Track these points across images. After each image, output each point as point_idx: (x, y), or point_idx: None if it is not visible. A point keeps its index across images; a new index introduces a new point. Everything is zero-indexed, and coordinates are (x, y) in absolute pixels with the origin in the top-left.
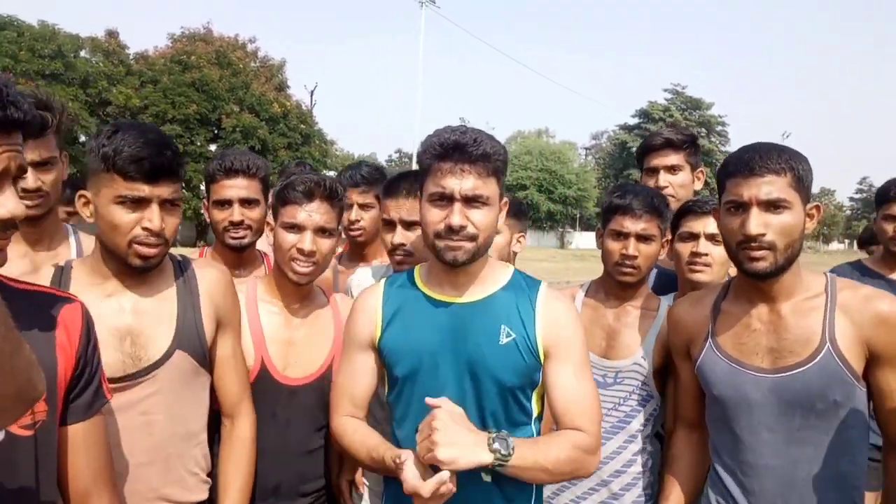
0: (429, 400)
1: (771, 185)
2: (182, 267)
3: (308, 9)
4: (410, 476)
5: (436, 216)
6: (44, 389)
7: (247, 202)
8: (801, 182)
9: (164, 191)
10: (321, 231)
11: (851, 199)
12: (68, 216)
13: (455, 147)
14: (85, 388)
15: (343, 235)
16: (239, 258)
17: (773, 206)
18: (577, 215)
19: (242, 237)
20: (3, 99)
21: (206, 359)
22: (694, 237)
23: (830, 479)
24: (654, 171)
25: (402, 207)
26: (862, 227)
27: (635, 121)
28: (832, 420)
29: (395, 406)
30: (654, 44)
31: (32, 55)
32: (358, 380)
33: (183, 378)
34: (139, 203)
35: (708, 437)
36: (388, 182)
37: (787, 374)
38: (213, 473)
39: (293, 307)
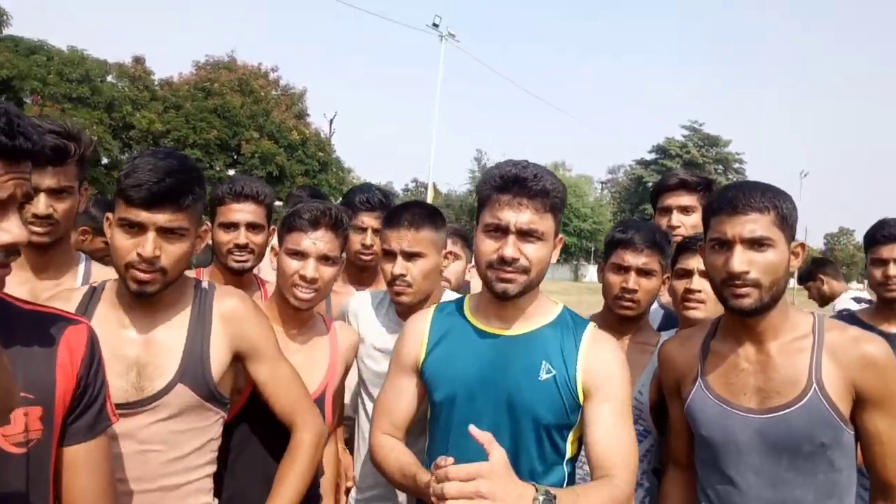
0: (473, 430)
1: (755, 224)
2: (202, 296)
3: (330, 40)
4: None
5: (489, 247)
6: (20, 400)
7: (252, 227)
8: (785, 220)
9: (161, 218)
10: (324, 259)
11: None
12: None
13: (515, 181)
14: (86, 410)
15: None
16: (238, 282)
17: (756, 244)
18: (592, 248)
19: (245, 261)
20: (13, 129)
21: (212, 393)
22: (688, 274)
23: None
24: (668, 211)
25: (404, 239)
26: None
27: (652, 156)
28: (819, 462)
29: (433, 430)
30: (672, 80)
31: (60, 79)
32: (400, 400)
33: (184, 411)
34: (138, 228)
35: (697, 476)
36: (389, 212)
37: (774, 415)
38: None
39: (291, 332)
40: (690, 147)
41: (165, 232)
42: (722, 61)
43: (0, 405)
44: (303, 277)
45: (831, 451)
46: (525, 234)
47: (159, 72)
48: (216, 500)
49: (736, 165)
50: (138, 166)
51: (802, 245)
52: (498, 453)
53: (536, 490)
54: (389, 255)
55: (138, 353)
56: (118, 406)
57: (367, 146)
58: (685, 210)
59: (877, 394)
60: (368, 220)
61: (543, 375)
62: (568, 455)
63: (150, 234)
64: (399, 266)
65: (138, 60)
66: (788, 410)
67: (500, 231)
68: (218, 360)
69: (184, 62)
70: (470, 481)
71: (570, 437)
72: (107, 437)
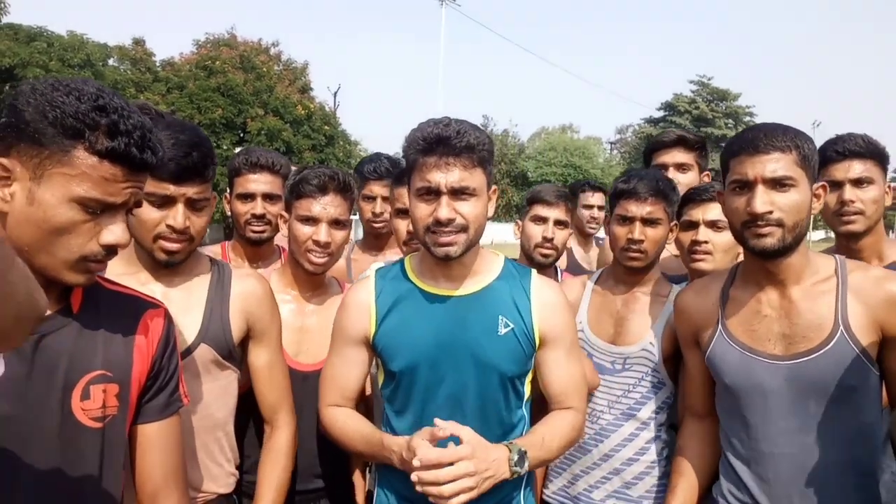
0: (439, 422)
1: (777, 163)
2: (220, 270)
3: (329, 11)
4: (429, 451)
5: (424, 210)
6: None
7: (269, 197)
8: (807, 161)
9: (190, 190)
10: (335, 223)
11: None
12: None
13: (438, 140)
14: (160, 391)
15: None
16: (258, 252)
17: (779, 183)
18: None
19: (262, 231)
20: (144, 143)
21: (231, 354)
22: (694, 225)
23: (845, 465)
24: (663, 168)
25: None
26: None
27: (661, 114)
28: (847, 406)
29: (392, 400)
30: (679, 35)
31: (63, 65)
32: (349, 371)
33: (207, 370)
34: (165, 201)
35: (716, 427)
36: (399, 171)
37: (802, 360)
38: (243, 468)
39: (306, 295)
40: (700, 102)
41: (192, 203)
42: (729, 13)
43: (26, 314)
44: (316, 242)
45: (859, 395)
46: (457, 193)
47: (160, 52)
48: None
49: (746, 119)
50: (159, 140)
51: (824, 187)
52: (467, 431)
53: (510, 450)
54: (403, 213)
55: None
56: None
57: (373, 118)
58: (681, 167)
59: None
60: (377, 188)
61: (502, 330)
62: (525, 397)
63: (180, 207)
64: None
65: (139, 42)
66: (816, 355)
67: (432, 193)
68: (236, 326)
69: (184, 41)
70: (454, 464)
71: (527, 381)
72: (179, 417)
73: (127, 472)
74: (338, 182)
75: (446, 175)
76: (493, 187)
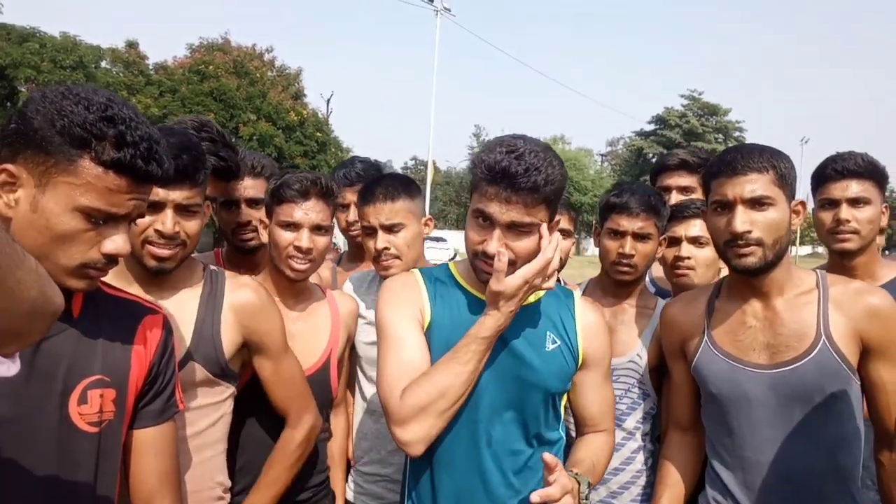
0: (547, 457)
1: (754, 184)
2: (213, 279)
3: (325, 18)
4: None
5: (475, 237)
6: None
7: (253, 202)
8: (784, 179)
9: (179, 195)
10: (317, 228)
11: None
12: None
13: (504, 174)
14: (157, 396)
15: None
16: (252, 260)
17: (757, 203)
18: (593, 222)
19: (250, 239)
20: (150, 155)
21: (223, 372)
22: (677, 241)
23: (829, 472)
24: (667, 191)
25: (382, 213)
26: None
27: (651, 127)
28: (830, 413)
29: None
30: (671, 49)
31: (55, 66)
32: (417, 353)
33: (196, 388)
34: (154, 206)
35: (700, 438)
36: (363, 189)
37: (785, 369)
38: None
39: (289, 303)
40: (690, 116)
41: (182, 208)
42: (720, 28)
43: (42, 310)
44: (298, 248)
45: (841, 403)
46: (512, 227)
47: (154, 56)
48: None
49: (736, 134)
50: (167, 152)
51: (803, 203)
52: (560, 476)
53: (579, 482)
54: (370, 230)
55: None
56: None
57: (365, 125)
58: (685, 190)
59: (882, 343)
60: (349, 194)
61: (550, 346)
62: (562, 418)
63: (169, 212)
64: (381, 240)
65: (132, 45)
66: (799, 363)
67: (486, 220)
68: (229, 342)
69: (178, 46)
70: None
71: (563, 400)
72: (174, 422)
73: (123, 476)
74: (320, 187)
75: (504, 212)
76: (557, 218)
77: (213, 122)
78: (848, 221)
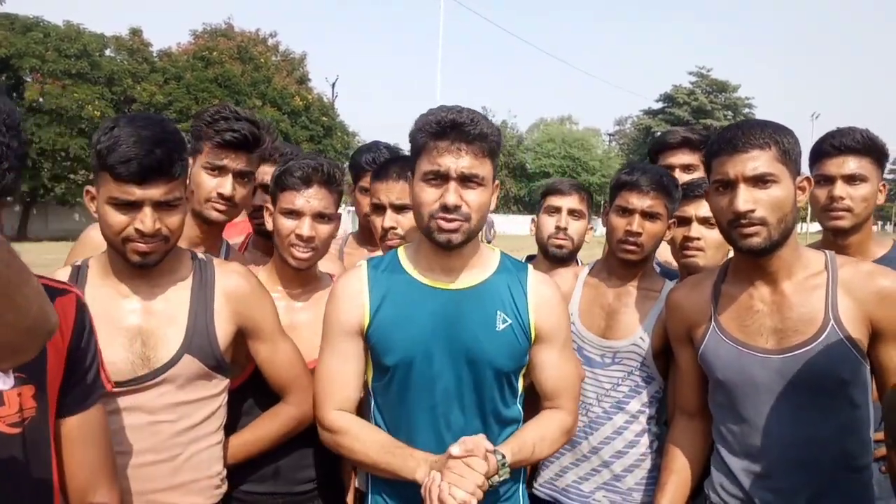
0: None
1: (756, 161)
2: (202, 268)
3: (328, 1)
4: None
5: (430, 195)
6: (57, 322)
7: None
8: (788, 155)
9: (156, 192)
10: (320, 216)
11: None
12: None
13: (452, 126)
14: (79, 381)
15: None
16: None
17: (760, 181)
18: (602, 202)
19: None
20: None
21: (218, 363)
22: (686, 221)
23: (837, 458)
24: (670, 169)
25: (393, 191)
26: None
27: (660, 105)
28: (839, 399)
29: (384, 395)
30: (679, 27)
31: (59, 55)
32: (348, 368)
33: (192, 381)
34: (131, 204)
35: (706, 425)
36: (378, 166)
37: (793, 353)
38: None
39: (294, 292)
40: (698, 94)
41: (161, 204)
42: (729, 4)
43: (39, 329)
44: (299, 237)
45: (850, 388)
46: (465, 180)
47: (157, 43)
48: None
49: (746, 111)
50: (120, 139)
51: (808, 179)
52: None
53: (497, 459)
54: (379, 208)
55: (140, 322)
56: (127, 382)
57: (371, 109)
58: (687, 168)
59: (892, 327)
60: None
61: (500, 326)
62: (519, 392)
63: (147, 210)
64: (389, 218)
65: (136, 32)
66: (808, 348)
67: (441, 178)
68: (223, 332)
69: (181, 32)
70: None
71: (521, 376)
72: (102, 406)
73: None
74: (322, 174)
75: (457, 161)
76: (497, 181)
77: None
78: (842, 199)
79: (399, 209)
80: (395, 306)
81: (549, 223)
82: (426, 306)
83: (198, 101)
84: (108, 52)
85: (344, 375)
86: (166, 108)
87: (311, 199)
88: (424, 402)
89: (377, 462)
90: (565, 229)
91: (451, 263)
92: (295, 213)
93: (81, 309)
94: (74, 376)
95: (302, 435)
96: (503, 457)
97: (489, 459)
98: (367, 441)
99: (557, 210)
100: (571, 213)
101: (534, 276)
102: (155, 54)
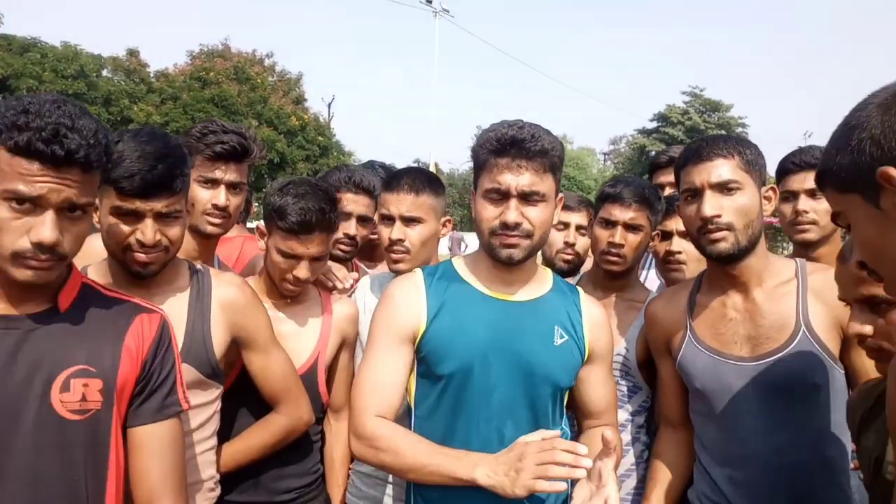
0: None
1: (720, 168)
2: (199, 279)
3: (324, 22)
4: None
5: (491, 212)
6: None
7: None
8: (752, 165)
9: (158, 204)
10: (317, 259)
11: None
12: None
13: (513, 142)
14: (153, 393)
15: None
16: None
17: (724, 188)
18: None
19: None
20: (56, 137)
21: (213, 371)
22: (669, 236)
23: (816, 465)
24: (661, 188)
25: (403, 203)
26: None
27: (654, 125)
28: (814, 404)
29: (435, 406)
30: (672, 47)
31: (56, 76)
32: (393, 376)
33: (189, 389)
34: (133, 216)
35: (691, 435)
36: (388, 176)
37: (767, 360)
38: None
39: (279, 303)
40: (692, 113)
41: (163, 216)
42: (722, 24)
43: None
44: (296, 279)
45: (825, 394)
46: (526, 197)
47: (154, 63)
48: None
49: (739, 129)
50: (124, 154)
51: (774, 189)
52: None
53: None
54: (388, 219)
55: None
56: None
57: (367, 128)
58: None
59: None
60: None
61: (558, 340)
62: (564, 410)
63: (149, 221)
64: (397, 230)
65: (133, 53)
66: (780, 355)
67: (501, 195)
68: (219, 342)
69: (178, 53)
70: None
71: (566, 395)
72: (178, 421)
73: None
74: (325, 220)
75: (517, 178)
76: (560, 195)
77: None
78: (806, 212)
79: (408, 222)
80: (454, 314)
81: (557, 238)
82: (485, 316)
83: (194, 121)
84: (106, 72)
85: (389, 384)
86: (163, 127)
87: (310, 245)
88: (481, 413)
89: (426, 465)
90: (573, 245)
91: (512, 277)
92: (293, 257)
93: (164, 327)
94: (148, 387)
95: (287, 445)
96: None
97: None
98: (414, 444)
99: (566, 226)
100: (579, 228)
101: (585, 297)
102: (152, 75)
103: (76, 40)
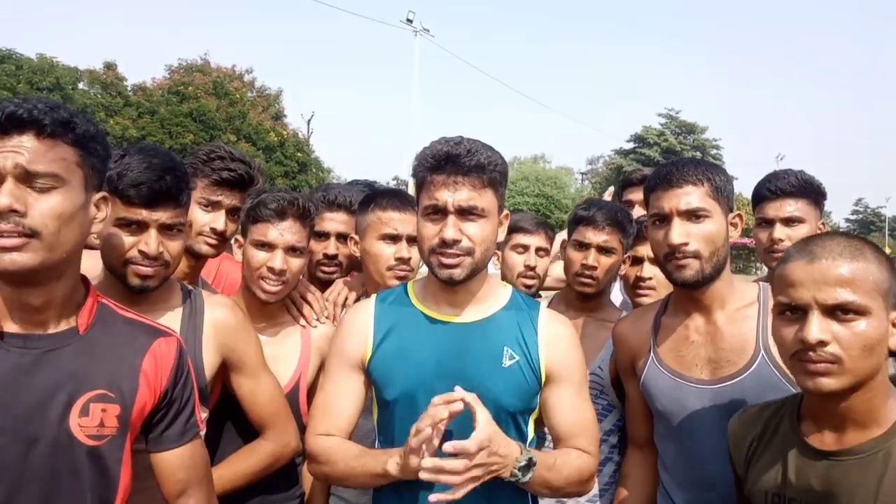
0: (459, 391)
1: (689, 196)
2: (192, 299)
3: (305, 39)
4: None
5: (430, 231)
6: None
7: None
8: (720, 192)
9: (163, 215)
10: (292, 250)
11: (847, 220)
12: None
13: (447, 158)
14: (175, 419)
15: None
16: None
17: (693, 215)
18: None
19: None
20: (5, 108)
21: (202, 392)
22: (639, 261)
23: None
24: (630, 205)
25: (410, 223)
26: None
27: (631, 145)
28: None
29: (386, 432)
30: (649, 69)
31: (31, 87)
32: (343, 401)
33: None
34: (138, 226)
35: (657, 455)
36: (399, 196)
37: (726, 384)
38: None
39: (259, 325)
40: (668, 135)
41: (166, 228)
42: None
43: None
44: (271, 269)
45: None
46: (465, 213)
47: (132, 77)
48: None
49: (713, 151)
50: (132, 165)
51: (740, 216)
52: (484, 415)
53: (521, 452)
54: (393, 238)
55: None
56: None
57: (346, 146)
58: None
59: None
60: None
61: (507, 362)
62: (529, 438)
63: (153, 232)
64: (405, 249)
65: (110, 66)
66: (739, 378)
67: (439, 213)
68: (209, 363)
69: (157, 67)
70: (477, 454)
71: (531, 421)
72: (199, 439)
73: (143, 496)
74: (297, 208)
75: (454, 194)
76: (505, 212)
77: (222, 144)
78: (781, 241)
79: (414, 241)
80: (399, 338)
81: (517, 261)
82: (430, 339)
83: (171, 136)
84: (82, 85)
85: (336, 408)
86: (139, 142)
87: (284, 232)
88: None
89: (355, 468)
90: (535, 267)
91: (458, 297)
92: (267, 246)
93: (181, 353)
94: (170, 413)
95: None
96: (531, 458)
97: (515, 448)
98: (345, 451)
99: (525, 248)
100: (538, 250)
101: (546, 313)
102: (129, 88)
103: (52, 52)
